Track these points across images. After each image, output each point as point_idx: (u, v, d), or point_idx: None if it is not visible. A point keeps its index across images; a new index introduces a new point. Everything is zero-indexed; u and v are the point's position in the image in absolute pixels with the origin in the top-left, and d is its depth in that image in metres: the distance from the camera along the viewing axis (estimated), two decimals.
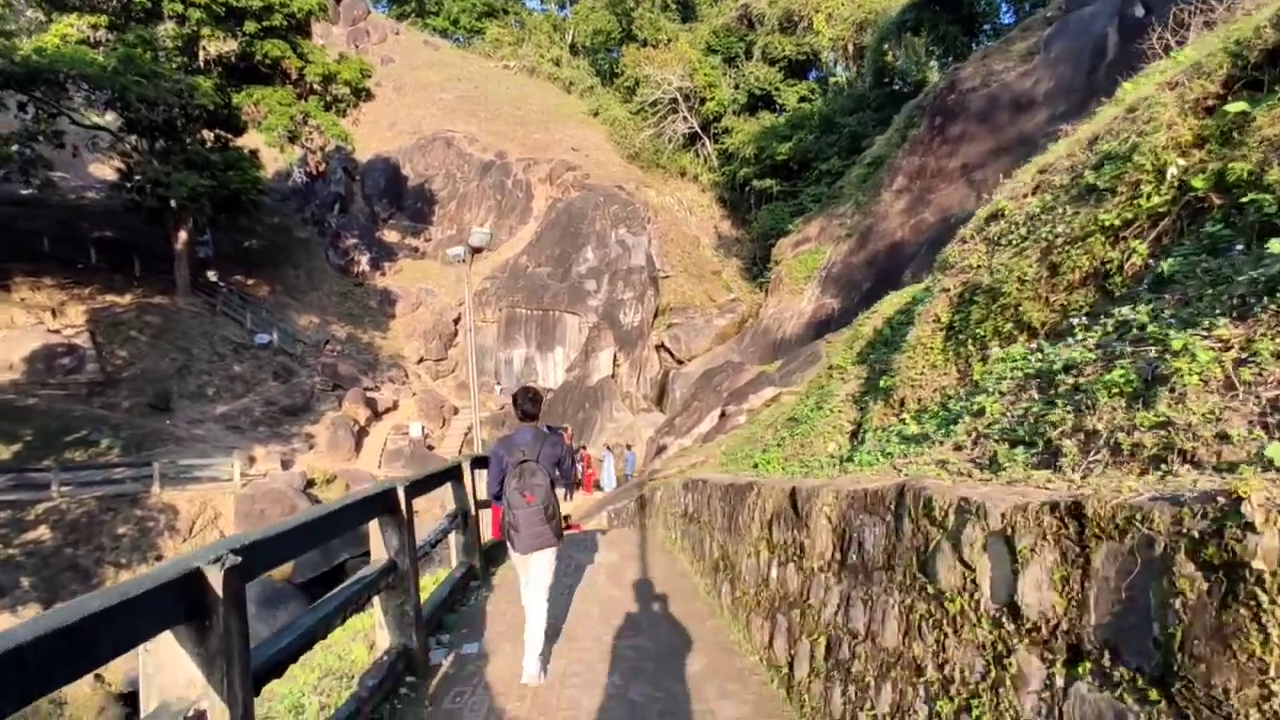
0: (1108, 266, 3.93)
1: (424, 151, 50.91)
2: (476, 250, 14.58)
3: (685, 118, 49.20)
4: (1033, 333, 4.33)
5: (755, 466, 7.02)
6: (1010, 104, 25.68)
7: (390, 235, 47.37)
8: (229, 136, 32.14)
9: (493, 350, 38.93)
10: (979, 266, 5.39)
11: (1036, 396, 3.33)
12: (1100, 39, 23.90)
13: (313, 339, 37.07)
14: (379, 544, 4.52)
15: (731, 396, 23.16)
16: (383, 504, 4.48)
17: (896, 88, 36.27)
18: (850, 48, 42.98)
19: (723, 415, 22.93)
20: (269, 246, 41.43)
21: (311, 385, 33.41)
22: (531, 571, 5.21)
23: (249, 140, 34.55)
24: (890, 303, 8.66)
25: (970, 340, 4.98)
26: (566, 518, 19.46)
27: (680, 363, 35.16)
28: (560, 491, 5.69)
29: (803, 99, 45.32)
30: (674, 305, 38.22)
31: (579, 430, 30.87)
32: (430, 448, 32.12)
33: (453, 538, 6.78)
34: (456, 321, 40.92)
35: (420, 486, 5.27)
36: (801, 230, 33.66)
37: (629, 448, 26.14)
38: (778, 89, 45.31)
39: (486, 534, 9.03)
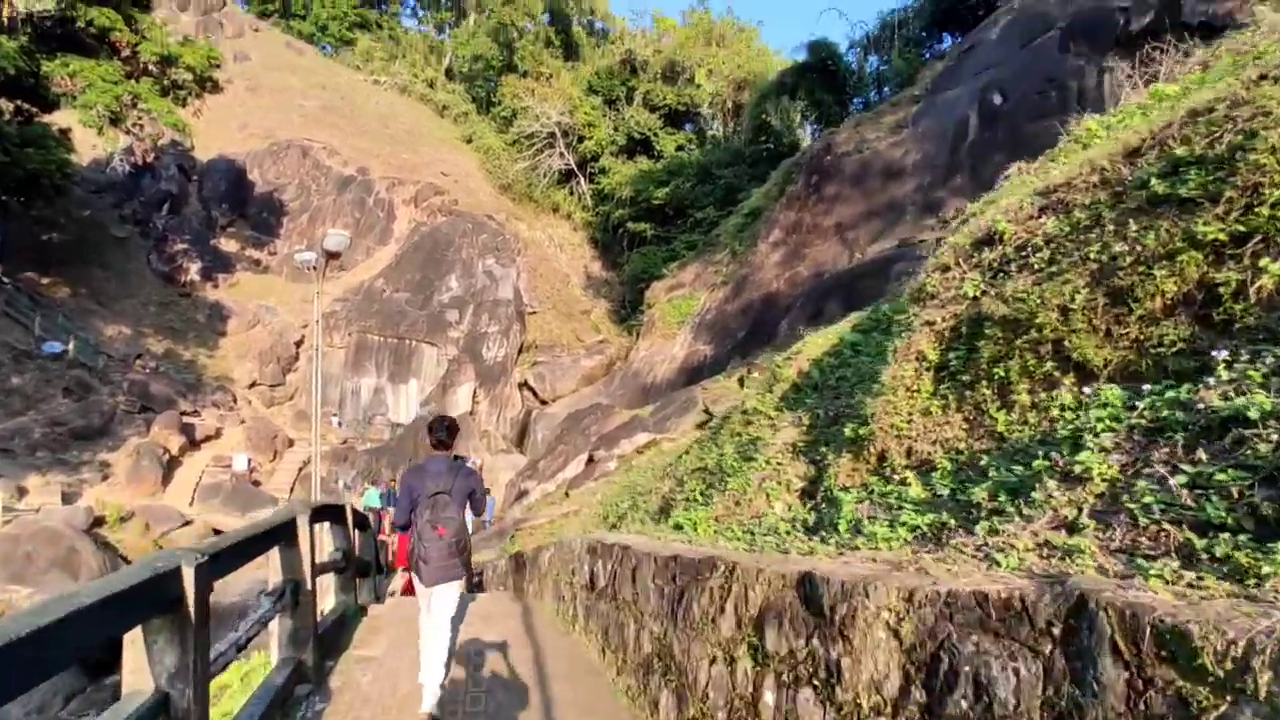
0: (1215, 290, 3.03)
1: (276, 158, 46.76)
2: (332, 256, 12.54)
3: (563, 153, 48.51)
4: (1088, 374, 3.39)
5: (678, 528, 5.75)
6: (882, 171, 26.82)
7: (228, 244, 42.67)
8: (33, 110, 27.49)
9: (338, 378, 35.50)
10: (978, 296, 4.47)
11: (1205, 458, 2.27)
12: (962, 122, 25.53)
13: (121, 352, 32.13)
14: (140, 668, 2.71)
15: (601, 441, 21.89)
16: (152, 598, 2.68)
17: (772, 146, 37.40)
18: (729, 104, 44.25)
19: (591, 460, 21.58)
20: (75, 242, 35.89)
21: (113, 405, 28.68)
22: (436, 605, 5.14)
23: (62, 118, 29.81)
24: (815, 344, 7.79)
25: (982, 383, 4.00)
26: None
27: (544, 403, 33.54)
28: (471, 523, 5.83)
29: (680, 148, 45.96)
30: (540, 342, 36.71)
31: None
32: (256, 483, 28.31)
33: (275, 624, 4.95)
34: (299, 345, 37.12)
35: (225, 561, 3.40)
36: (676, 275, 33.46)
37: (487, 492, 24.07)
38: (657, 135, 45.71)
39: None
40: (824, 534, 3.93)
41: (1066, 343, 3.53)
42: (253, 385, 34.93)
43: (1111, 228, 3.65)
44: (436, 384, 33.19)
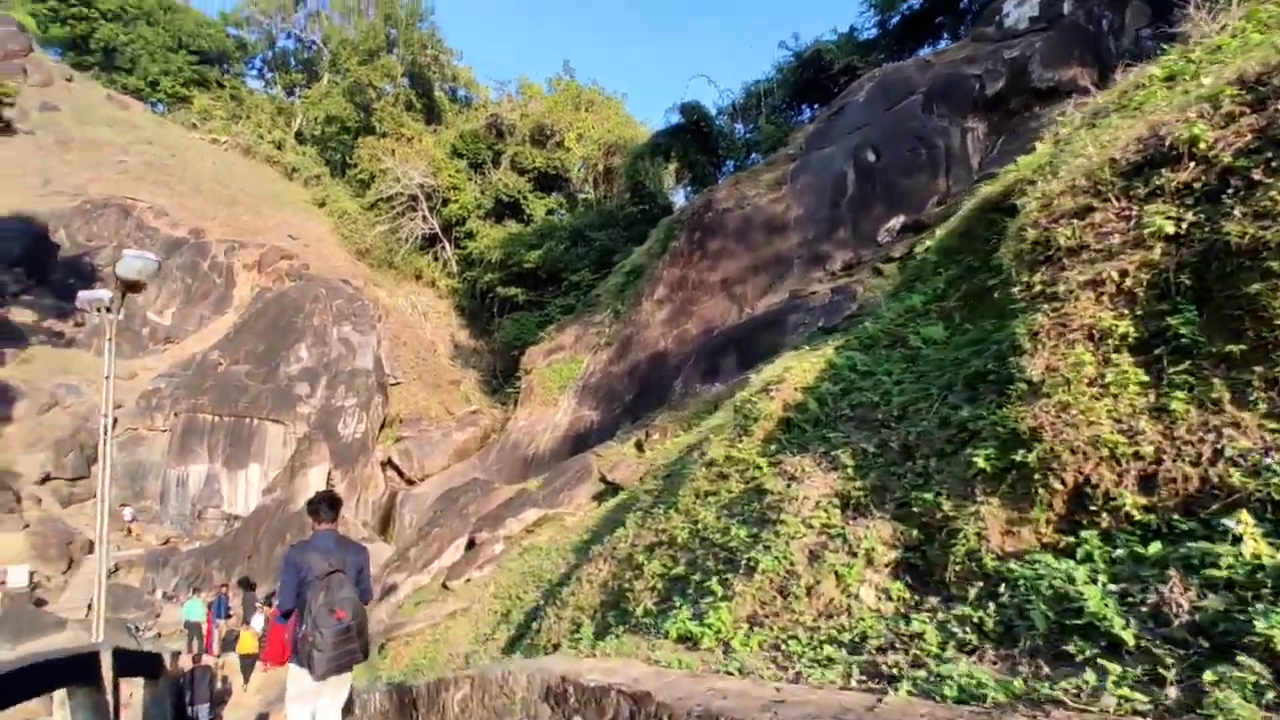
0: None
1: (89, 218, 40.95)
2: (131, 288, 9.49)
3: (425, 217, 45.88)
4: None
5: (686, 640, 3.58)
6: (764, 225, 26.47)
7: (21, 314, 36.25)
8: None
9: (160, 467, 30.19)
10: (1187, 232, 2.78)
11: None
12: (840, 177, 25.78)
13: None
14: None
15: (483, 521, 19.09)
16: None
17: (646, 207, 36.82)
18: (600, 167, 43.68)
19: (472, 544, 18.69)
20: None
21: None
22: (327, 699, 4.88)
23: None
24: (797, 372, 6.00)
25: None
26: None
27: (411, 482, 29.93)
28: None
29: (551, 211, 44.69)
30: (406, 416, 33.17)
31: (274, 567, 23.88)
32: (40, 603, 22.73)
33: None
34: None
35: None
36: (555, 338, 31.44)
37: None
38: (526, 198, 44.23)
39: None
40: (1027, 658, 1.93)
41: None
42: (45, 480, 28.91)
43: None
44: (283, 467, 28.79)
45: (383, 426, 31.88)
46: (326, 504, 5.24)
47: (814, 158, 27.54)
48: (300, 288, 35.76)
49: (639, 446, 19.49)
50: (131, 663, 4.51)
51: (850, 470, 4.09)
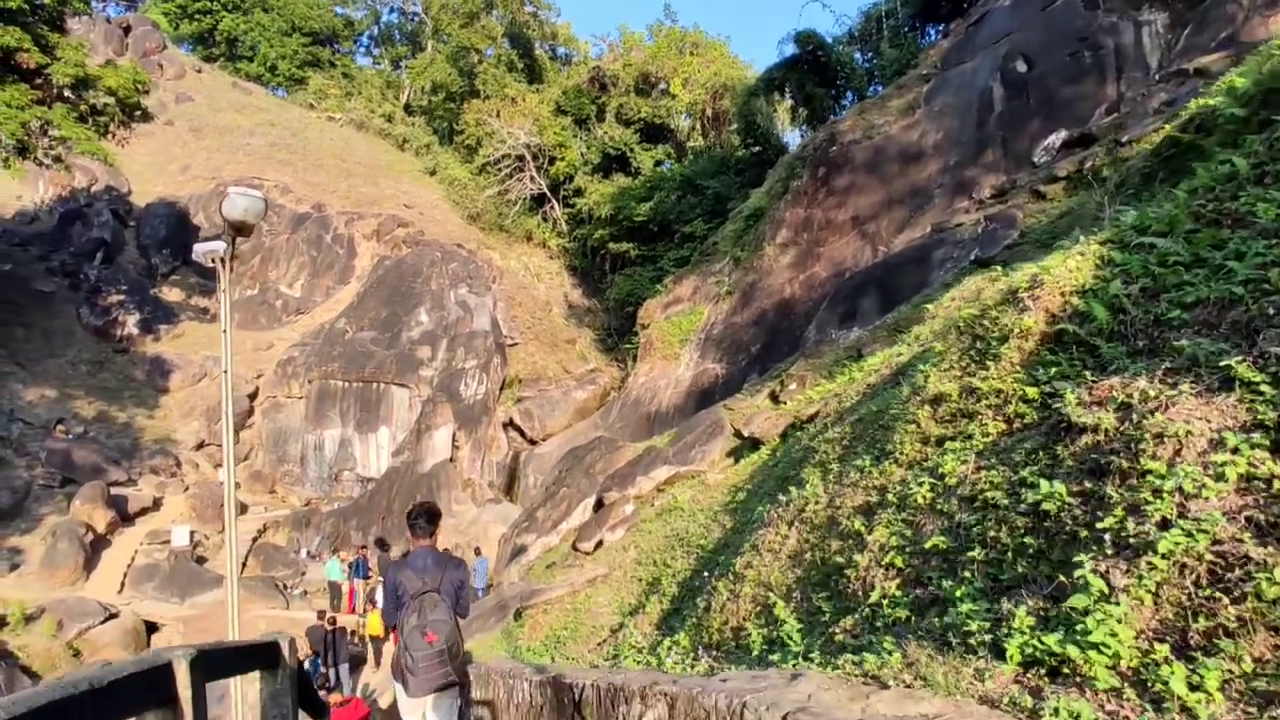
0: None
1: (223, 199, 43.02)
2: (239, 231, 8.96)
3: (533, 177, 45.42)
4: None
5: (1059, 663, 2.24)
6: (898, 156, 23.97)
7: (171, 293, 38.71)
8: None
9: (299, 432, 31.47)
10: None
11: None
12: (986, 92, 22.87)
13: (42, 418, 27.91)
14: None
15: (611, 480, 18.28)
16: None
17: (761, 149, 34.64)
18: (708, 112, 41.62)
19: (600, 504, 17.95)
20: None
21: (28, 480, 24.45)
22: (431, 710, 4.71)
23: None
24: (1059, 272, 4.40)
25: None
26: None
27: (533, 442, 29.79)
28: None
29: (659, 162, 43.14)
30: (524, 376, 33.05)
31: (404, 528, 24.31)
32: (201, 560, 24.10)
33: None
34: (253, 398, 33.10)
35: None
36: (671, 291, 30.20)
37: (477, 551, 20.16)
38: (633, 150, 42.82)
39: None
40: None
41: None
42: (200, 446, 30.77)
43: None
44: (410, 430, 29.31)
45: (503, 387, 31.88)
46: (425, 518, 5.10)
47: (952, 75, 24.59)
48: (417, 253, 36.16)
49: (774, 398, 18.07)
50: (242, 657, 3.66)
51: (1268, 389, 2.57)
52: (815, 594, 4.43)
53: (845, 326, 19.83)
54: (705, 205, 36.79)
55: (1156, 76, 19.86)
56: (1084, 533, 2.69)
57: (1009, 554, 3.08)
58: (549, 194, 46.21)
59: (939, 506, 3.87)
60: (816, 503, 5.36)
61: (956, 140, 22.96)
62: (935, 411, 4.73)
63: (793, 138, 39.65)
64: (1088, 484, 2.92)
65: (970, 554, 3.29)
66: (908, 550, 3.84)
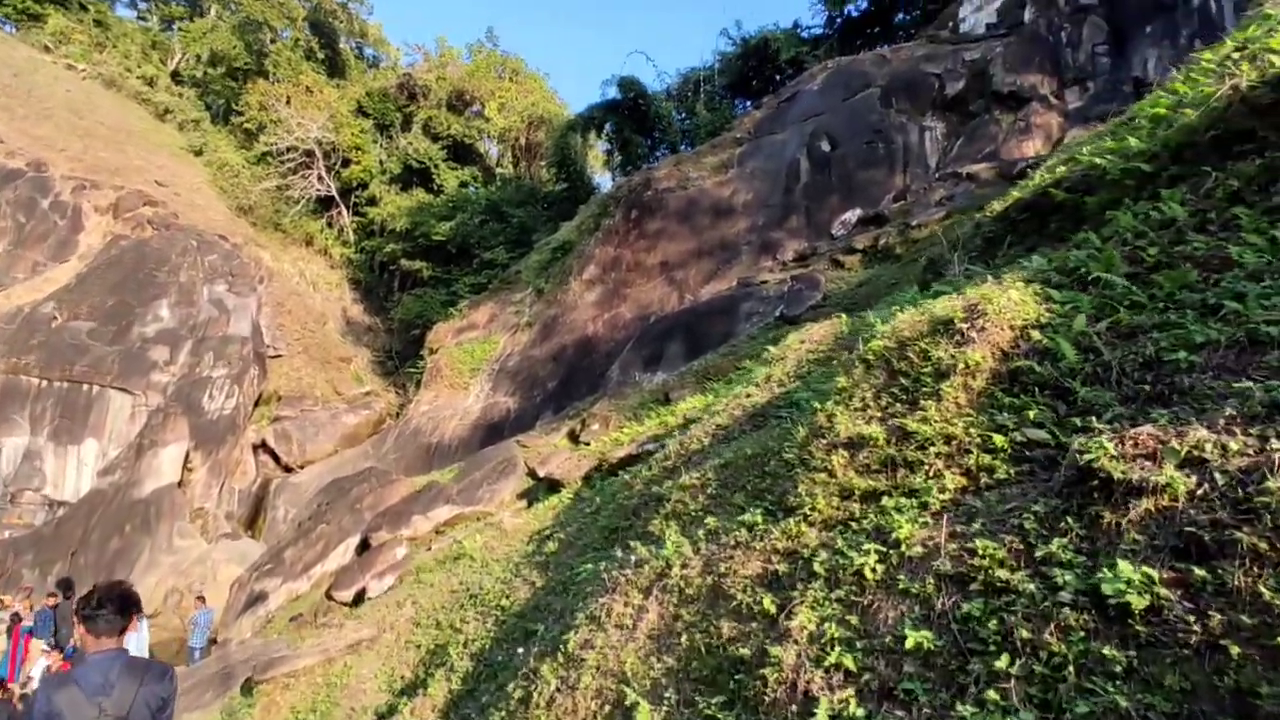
0: None
1: None
2: None
3: (321, 177, 41.16)
4: None
5: None
6: (710, 209, 24.52)
7: None
8: None
9: None
10: None
11: None
12: (794, 164, 24.22)
13: None
14: None
15: (382, 518, 15.95)
16: None
17: (572, 185, 34.21)
18: (523, 140, 40.58)
19: (366, 546, 15.55)
20: None
21: None
22: None
23: None
24: (1000, 305, 3.76)
25: None
26: None
27: (289, 469, 25.93)
28: None
29: (464, 184, 41.16)
30: (286, 393, 28.97)
31: (106, 567, 19.47)
32: None
33: None
34: None
35: None
36: (466, 316, 28.29)
37: (200, 600, 16.42)
38: (438, 166, 40.43)
39: None
40: None
41: None
42: None
43: None
44: (129, 445, 24.12)
45: (258, 403, 27.62)
46: (114, 606, 3.42)
47: (765, 142, 25.86)
48: (165, 238, 30.74)
49: (574, 438, 16.98)
50: None
51: None
52: (704, 697, 3.25)
53: (650, 369, 19.38)
54: (509, 234, 35.47)
55: (936, 174, 22.16)
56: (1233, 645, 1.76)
57: (1071, 668, 2.09)
58: (338, 198, 42.11)
59: (901, 585, 2.87)
60: (685, 566, 4.22)
61: (765, 203, 23.96)
62: (853, 458, 3.84)
63: (603, 180, 39.89)
64: (1196, 569, 2.03)
65: (992, 663, 2.28)
66: (860, 646, 2.79)
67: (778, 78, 33.92)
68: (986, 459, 3.23)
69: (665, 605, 4.08)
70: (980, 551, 2.65)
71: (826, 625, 2.96)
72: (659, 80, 44.94)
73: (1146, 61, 21.67)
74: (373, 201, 40.76)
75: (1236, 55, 5.46)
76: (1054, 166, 7.85)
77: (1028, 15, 24.56)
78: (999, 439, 3.24)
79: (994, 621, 2.42)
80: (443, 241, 36.73)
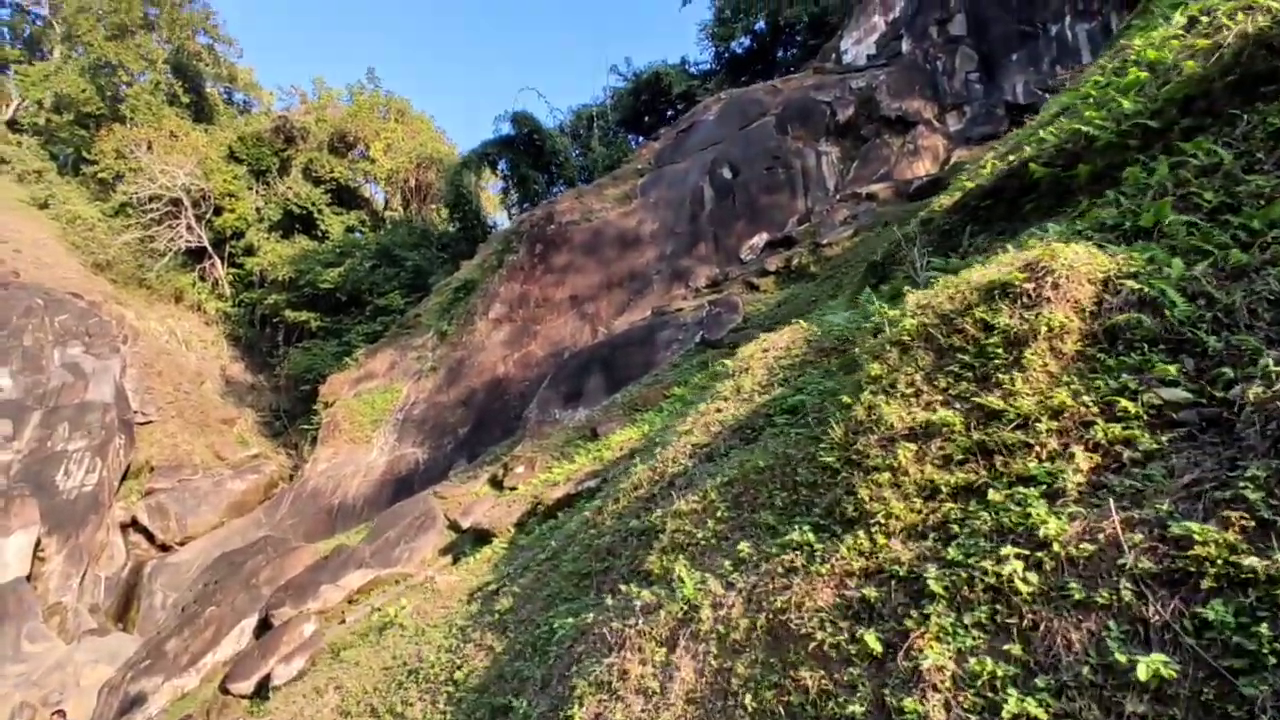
0: None
1: None
2: None
3: (191, 226, 38.10)
4: None
5: None
6: (616, 240, 24.11)
7: None
8: None
9: None
10: None
11: None
12: (698, 191, 24.24)
13: None
14: None
15: (284, 593, 14.15)
16: None
17: (468, 225, 33.09)
18: (412, 182, 39.10)
19: (266, 625, 13.73)
20: None
21: None
22: None
23: None
24: (1069, 258, 3.24)
25: None
26: None
27: (166, 548, 23.06)
28: None
29: (351, 229, 39.15)
30: (160, 463, 26.00)
31: None
32: None
33: None
34: None
35: None
36: (363, 365, 26.47)
37: (60, 714, 13.87)
38: (321, 212, 38.28)
39: None
40: None
41: None
42: None
43: None
44: None
45: (126, 476, 24.59)
46: None
47: (667, 172, 25.83)
48: (4, 297, 27.24)
49: (496, 483, 15.82)
50: None
51: None
52: None
53: (571, 406, 18.44)
54: (404, 278, 33.86)
55: (836, 196, 22.65)
56: None
57: None
58: (210, 249, 39.06)
59: (1077, 596, 2.19)
60: (720, 607, 3.41)
61: (672, 231, 23.78)
62: (924, 451, 3.16)
63: (499, 219, 38.97)
64: None
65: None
66: (1044, 685, 2.08)
67: (669, 112, 34.34)
68: (1117, 430, 2.63)
69: (704, 659, 3.24)
70: (1198, 538, 2.01)
71: (976, 661, 2.23)
72: (552, 117, 44.71)
73: (1015, 87, 23.12)
74: (250, 251, 38.05)
75: (1206, 19, 5.34)
76: (1003, 156, 7.67)
77: (905, 46, 25.87)
78: (1128, 404, 2.64)
79: (1262, 627, 1.77)
80: (331, 289, 34.60)
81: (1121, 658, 1.94)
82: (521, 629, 5.87)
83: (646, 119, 35.42)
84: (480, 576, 9.02)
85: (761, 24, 32.23)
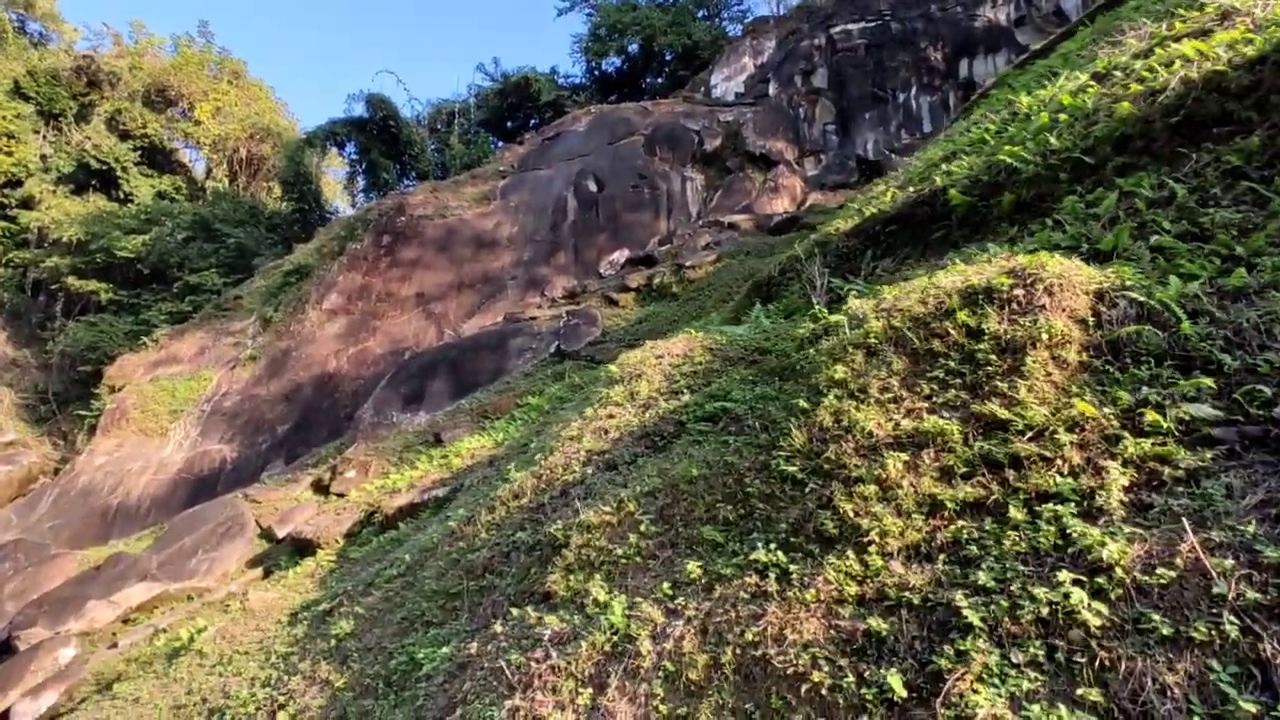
0: None
1: None
2: None
3: None
4: None
5: None
6: (472, 240, 22.98)
7: None
8: None
9: None
10: None
11: None
12: (561, 200, 23.74)
13: None
14: None
15: (36, 609, 11.78)
16: None
17: (306, 208, 30.36)
18: (243, 152, 35.26)
19: (10, 650, 11.30)
20: None
21: None
22: None
23: None
24: (1061, 269, 3.11)
25: None
26: None
27: None
28: None
29: (163, 195, 34.63)
30: None
31: None
32: None
33: None
34: None
35: None
36: (165, 347, 23.24)
37: None
38: (127, 170, 33.52)
39: None
40: None
41: None
42: None
43: None
44: None
45: None
46: None
47: (529, 177, 25.07)
48: None
49: (321, 488, 14.23)
50: None
51: None
52: None
53: (411, 409, 17.08)
54: (224, 256, 30.37)
55: (699, 221, 23.02)
56: None
57: None
58: None
59: (1163, 631, 1.86)
60: (662, 638, 2.91)
61: (531, 238, 23.03)
62: (917, 462, 2.80)
63: (340, 206, 36.23)
64: None
65: None
66: None
67: (535, 120, 33.66)
68: (1149, 445, 2.38)
69: (646, 702, 2.69)
70: None
71: (1041, 709, 1.83)
72: (410, 107, 42.40)
73: (867, 143, 24.81)
74: (29, 204, 32.52)
75: (1119, 72, 5.60)
76: (893, 190, 7.77)
77: (771, 90, 27.03)
78: (1156, 419, 2.40)
79: None
80: (131, 259, 30.29)
81: (1248, 706, 1.60)
82: (369, 658, 4.91)
83: (510, 123, 34.46)
84: (305, 594, 7.75)
85: (635, 46, 32.50)
